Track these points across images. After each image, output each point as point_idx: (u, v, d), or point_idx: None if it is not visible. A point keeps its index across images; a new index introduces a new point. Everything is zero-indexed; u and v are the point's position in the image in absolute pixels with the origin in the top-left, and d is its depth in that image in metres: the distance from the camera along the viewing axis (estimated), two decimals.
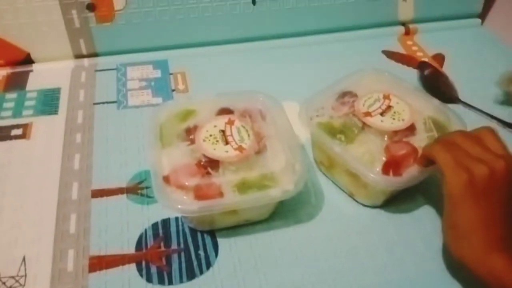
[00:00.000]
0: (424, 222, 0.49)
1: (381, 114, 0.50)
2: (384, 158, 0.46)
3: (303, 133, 0.57)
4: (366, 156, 0.47)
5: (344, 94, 0.53)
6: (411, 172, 0.45)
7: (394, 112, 0.50)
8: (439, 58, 0.72)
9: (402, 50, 0.74)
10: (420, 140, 0.47)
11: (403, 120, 0.49)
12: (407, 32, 0.77)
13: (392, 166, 0.45)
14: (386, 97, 0.52)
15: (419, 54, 0.73)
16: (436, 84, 0.65)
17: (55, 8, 0.65)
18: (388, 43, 0.75)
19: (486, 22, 0.80)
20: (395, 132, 0.48)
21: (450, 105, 0.62)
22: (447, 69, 0.69)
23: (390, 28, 0.77)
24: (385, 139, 0.48)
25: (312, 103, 0.52)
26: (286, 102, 0.61)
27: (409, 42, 0.76)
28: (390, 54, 0.73)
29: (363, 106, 0.50)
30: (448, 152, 0.40)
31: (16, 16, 0.64)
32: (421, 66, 0.68)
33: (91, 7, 0.66)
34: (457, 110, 0.61)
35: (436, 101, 0.53)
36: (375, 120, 0.49)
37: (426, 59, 0.71)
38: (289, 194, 0.42)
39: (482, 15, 0.80)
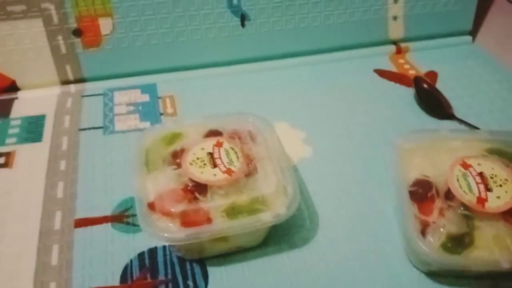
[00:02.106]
0: None
1: (488, 189, 0.42)
2: None
3: (294, 154, 0.56)
4: (500, 243, 0.40)
5: (421, 188, 0.43)
6: None
7: (492, 177, 0.43)
8: (432, 75, 0.71)
9: (394, 69, 0.73)
10: None
11: (506, 181, 0.42)
12: (399, 51, 0.76)
13: None
14: (466, 165, 0.44)
15: (411, 72, 0.72)
16: (433, 101, 0.64)
17: (41, 34, 0.64)
18: (379, 62, 0.74)
19: (477, 39, 0.80)
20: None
21: (446, 122, 0.62)
22: (440, 86, 0.68)
23: (381, 47, 0.76)
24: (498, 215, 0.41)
25: (411, 227, 0.41)
26: (277, 123, 0.60)
27: (401, 61, 0.75)
28: (382, 73, 0.72)
29: (466, 193, 0.42)
30: None
31: (1, 44, 0.63)
32: (416, 81, 0.66)
33: (77, 33, 0.65)
34: (453, 127, 0.61)
35: (480, 132, 0.49)
36: (493, 202, 0.41)
37: (419, 76, 0.70)
38: (281, 218, 0.40)
39: (473, 32, 0.80)
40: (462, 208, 0.41)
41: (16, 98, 0.65)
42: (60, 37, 0.64)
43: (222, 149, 0.45)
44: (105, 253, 0.46)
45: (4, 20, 0.62)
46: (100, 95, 0.66)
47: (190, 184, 0.42)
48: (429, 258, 0.40)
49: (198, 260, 0.45)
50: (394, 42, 0.77)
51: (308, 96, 0.67)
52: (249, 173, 0.44)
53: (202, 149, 0.45)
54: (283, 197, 0.42)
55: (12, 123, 0.61)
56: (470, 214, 0.41)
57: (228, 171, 0.43)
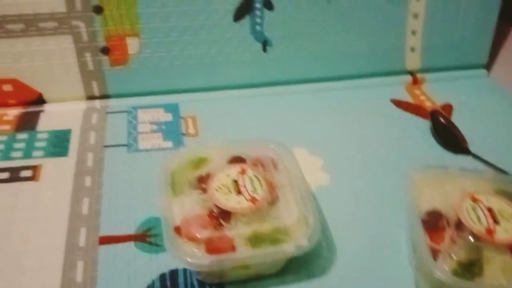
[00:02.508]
0: None
1: (496, 222, 0.44)
2: None
3: (312, 181, 0.57)
4: (507, 274, 0.42)
5: (433, 218, 0.46)
6: None
7: (499, 212, 0.45)
8: (448, 108, 0.73)
9: (410, 99, 0.74)
10: None
11: None
12: (415, 82, 0.78)
13: None
14: (475, 199, 0.46)
15: (427, 103, 0.74)
16: (449, 135, 0.66)
17: (70, 51, 0.66)
18: (396, 92, 0.76)
19: (492, 73, 0.82)
20: None
21: (461, 157, 0.63)
22: (455, 119, 0.69)
23: (398, 77, 0.78)
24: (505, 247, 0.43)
25: (425, 253, 0.43)
26: (295, 149, 0.61)
27: (417, 92, 0.76)
28: (398, 103, 0.73)
29: (475, 223, 0.44)
30: None
31: (31, 58, 0.65)
32: (433, 115, 0.68)
33: (105, 51, 0.67)
34: (467, 162, 0.62)
35: (489, 174, 0.51)
36: (501, 234, 0.43)
37: (436, 109, 0.71)
38: (303, 249, 0.42)
39: (488, 66, 0.81)
40: (471, 238, 0.43)
41: (43, 111, 0.67)
42: (88, 54, 0.66)
43: (246, 177, 0.47)
44: (128, 272, 0.47)
45: (35, 35, 0.64)
46: (124, 112, 0.68)
47: (215, 210, 0.44)
48: (446, 283, 0.41)
49: (218, 284, 0.46)
50: (411, 73, 0.79)
51: (326, 122, 0.68)
52: (272, 202, 0.45)
53: (227, 175, 0.47)
54: (304, 228, 0.43)
55: (39, 136, 0.63)
56: (479, 244, 0.43)
57: (252, 200, 0.44)
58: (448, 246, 0.43)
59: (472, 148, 0.64)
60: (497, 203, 0.46)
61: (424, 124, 0.69)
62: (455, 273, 0.42)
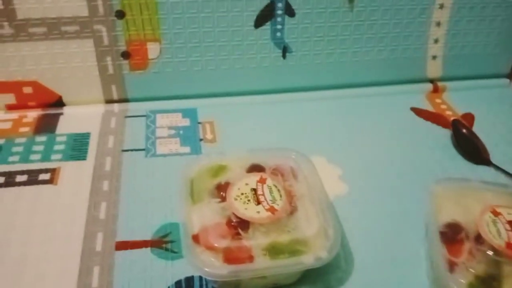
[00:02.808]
0: None
1: None
2: None
3: (330, 190, 0.57)
4: None
5: (451, 230, 0.45)
6: None
7: None
8: (469, 117, 0.71)
9: (430, 108, 0.73)
10: None
11: None
12: (436, 90, 0.77)
13: None
14: (496, 213, 0.45)
15: (448, 112, 0.72)
16: (470, 145, 0.64)
17: (91, 54, 0.66)
18: (416, 100, 0.75)
19: None
20: None
21: (482, 167, 0.62)
22: (477, 129, 0.68)
23: (418, 85, 0.77)
24: None
25: (439, 264, 0.43)
26: (314, 157, 0.61)
27: (438, 100, 0.75)
28: (419, 112, 0.72)
29: (495, 237, 0.43)
30: None
31: (52, 61, 0.65)
32: (454, 125, 0.67)
33: (126, 55, 0.67)
34: (489, 173, 0.61)
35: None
36: None
37: (457, 119, 0.70)
38: (322, 262, 0.41)
39: (511, 76, 0.80)
40: (491, 252, 0.43)
41: (62, 113, 0.68)
42: (109, 58, 0.67)
43: (265, 186, 0.46)
44: (144, 278, 0.47)
45: (57, 39, 0.64)
46: (143, 116, 0.68)
47: (234, 220, 0.43)
48: None
49: None
50: (432, 81, 0.78)
51: (345, 130, 0.68)
52: (291, 212, 0.45)
53: (246, 184, 0.46)
54: (324, 240, 0.42)
55: (58, 139, 0.63)
56: (499, 259, 0.42)
57: (271, 209, 0.44)
58: (466, 259, 0.43)
59: (493, 159, 0.63)
60: None
61: (445, 134, 0.67)
62: (471, 286, 0.41)
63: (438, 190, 0.50)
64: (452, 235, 0.45)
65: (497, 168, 0.62)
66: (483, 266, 0.42)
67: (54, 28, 0.63)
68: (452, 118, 0.69)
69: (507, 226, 0.44)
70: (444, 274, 0.42)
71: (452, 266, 0.42)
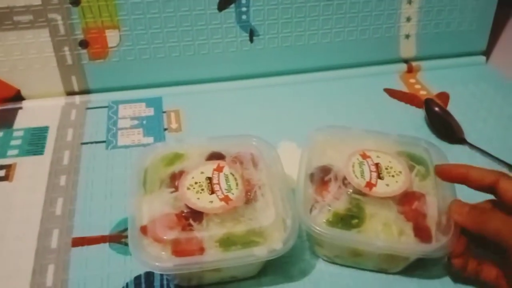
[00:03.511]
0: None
1: (380, 177, 0.44)
2: (406, 225, 0.42)
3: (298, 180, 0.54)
4: (387, 229, 0.41)
5: (321, 172, 0.45)
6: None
7: (386, 168, 0.45)
8: (444, 97, 0.69)
9: (404, 89, 0.71)
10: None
11: (400, 173, 0.44)
12: (410, 70, 0.75)
13: (423, 231, 0.41)
14: (365, 156, 0.46)
15: (422, 92, 0.70)
16: (444, 124, 0.62)
17: (47, 44, 0.63)
18: (390, 81, 0.72)
19: (491, 60, 0.78)
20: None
21: (457, 146, 0.60)
22: (451, 108, 0.66)
23: (392, 65, 0.75)
24: (393, 203, 0.43)
25: (300, 204, 0.43)
26: (284, 142, 0.59)
27: (412, 80, 0.73)
28: (392, 93, 0.70)
29: (357, 177, 0.44)
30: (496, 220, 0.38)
31: (7, 53, 0.63)
32: (427, 104, 0.65)
33: (84, 44, 0.64)
34: (463, 152, 0.59)
35: (393, 136, 0.50)
36: (381, 188, 0.43)
37: (430, 98, 0.68)
38: (276, 253, 0.39)
39: (487, 52, 0.78)
40: (351, 191, 0.43)
41: (21, 108, 0.65)
42: (66, 48, 0.64)
43: (222, 174, 0.44)
44: (101, 275, 0.45)
45: (10, 29, 0.61)
46: (105, 107, 0.65)
47: (185, 210, 0.41)
48: (312, 231, 0.41)
49: (195, 286, 0.44)
50: (406, 61, 0.76)
51: (317, 114, 0.65)
52: (248, 201, 0.42)
53: (202, 173, 0.44)
54: (281, 231, 0.40)
55: (15, 134, 0.61)
56: (359, 197, 0.43)
57: (226, 199, 0.42)
58: (330, 199, 0.43)
59: (469, 137, 0.61)
60: (387, 160, 0.46)
61: (419, 114, 0.66)
62: (329, 223, 0.42)
63: (320, 137, 0.50)
64: (321, 176, 0.45)
65: (472, 146, 0.60)
66: (343, 204, 0.43)
67: (6, 18, 0.60)
68: (426, 98, 0.67)
69: (373, 168, 0.45)
70: (304, 213, 0.42)
71: (313, 205, 0.43)
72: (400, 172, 0.45)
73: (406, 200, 0.43)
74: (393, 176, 0.44)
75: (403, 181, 0.44)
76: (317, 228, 0.41)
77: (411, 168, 0.46)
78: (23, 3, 0.60)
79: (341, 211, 0.42)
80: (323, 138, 0.50)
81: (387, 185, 0.44)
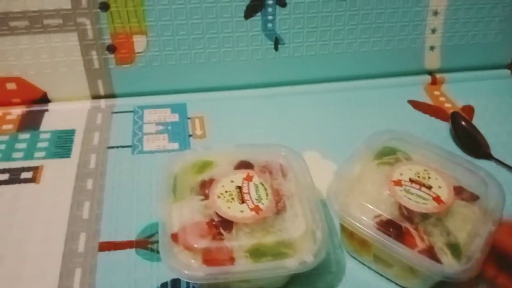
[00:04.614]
0: None
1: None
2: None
3: (324, 187, 0.54)
4: None
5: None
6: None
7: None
8: (469, 110, 0.69)
9: (429, 101, 0.71)
10: None
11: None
12: (434, 82, 0.74)
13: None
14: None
15: (447, 105, 0.70)
16: (470, 139, 0.62)
17: (75, 48, 0.64)
18: (414, 92, 0.72)
19: None
20: None
21: (482, 162, 0.60)
22: (476, 122, 0.66)
23: (416, 77, 0.74)
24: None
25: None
26: (308, 152, 0.59)
27: (436, 93, 0.73)
28: (416, 105, 0.70)
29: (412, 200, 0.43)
30: None
31: (35, 56, 0.63)
32: (454, 118, 0.64)
33: (111, 49, 0.65)
34: (490, 167, 0.58)
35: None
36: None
37: (456, 111, 0.68)
38: (307, 266, 0.39)
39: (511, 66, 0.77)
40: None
41: (47, 110, 0.66)
42: (94, 52, 0.65)
43: (251, 184, 0.44)
44: (128, 281, 0.45)
45: (39, 33, 0.62)
46: (130, 112, 0.66)
47: (216, 219, 0.41)
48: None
49: None
50: (430, 73, 0.75)
51: (340, 124, 0.65)
52: (277, 212, 0.42)
53: (232, 181, 0.44)
54: (310, 243, 0.40)
55: (42, 136, 0.61)
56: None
57: (256, 209, 0.42)
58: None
59: (495, 152, 0.61)
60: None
61: (444, 127, 0.65)
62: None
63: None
64: None
65: (498, 162, 0.59)
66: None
67: (36, 22, 0.61)
68: (451, 111, 0.67)
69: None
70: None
71: None
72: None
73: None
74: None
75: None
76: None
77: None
78: (53, 7, 0.61)
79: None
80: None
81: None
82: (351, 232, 0.44)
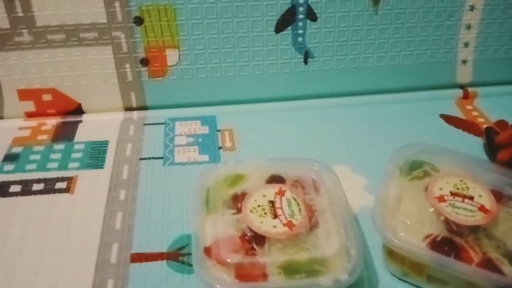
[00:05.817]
0: None
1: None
2: None
3: (355, 202, 0.54)
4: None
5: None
6: None
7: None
8: (503, 125, 0.67)
9: (461, 115, 0.70)
10: None
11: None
12: (466, 96, 0.73)
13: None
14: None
15: (480, 120, 0.69)
16: None
17: (110, 61, 0.65)
18: (446, 107, 0.71)
19: None
20: None
21: None
22: None
23: (447, 91, 0.74)
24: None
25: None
26: (338, 166, 0.59)
27: (469, 107, 0.72)
28: (448, 119, 0.69)
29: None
30: None
31: (71, 68, 0.65)
32: (488, 133, 0.63)
33: (144, 62, 0.66)
34: None
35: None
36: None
37: (490, 126, 0.66)
38: (341, 285, 0.38)
39: None
40: None
41: (81, 121, 0.67)
42: (127, 65, 0.66)
43: (284, 199, 0.44)
44: None
45: (76, 45, 0.64)
46: (162, 124, 0.67)
47: (249, 233, 0.41)
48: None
49: None
50: (461, 86, 0.74)
51: (370, 138, 0.65)
52: (310, 228, 0.42)
53: (264, 196, 0.44)
54: (345, 261, 0.40)
55: (76, 147, 0.62)
56: None
57: (289, 224, 0.41)
58: None
59: None
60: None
61: (477, 142, 0.64)
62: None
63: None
64: None
65: None
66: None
67: (73, 35, 0.63)
68: (484, 126, 0.66)
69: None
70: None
71: None
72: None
73: None
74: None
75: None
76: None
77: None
78: (89, 20, 0.63)
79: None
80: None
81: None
82: (401, 256, 0.43)
